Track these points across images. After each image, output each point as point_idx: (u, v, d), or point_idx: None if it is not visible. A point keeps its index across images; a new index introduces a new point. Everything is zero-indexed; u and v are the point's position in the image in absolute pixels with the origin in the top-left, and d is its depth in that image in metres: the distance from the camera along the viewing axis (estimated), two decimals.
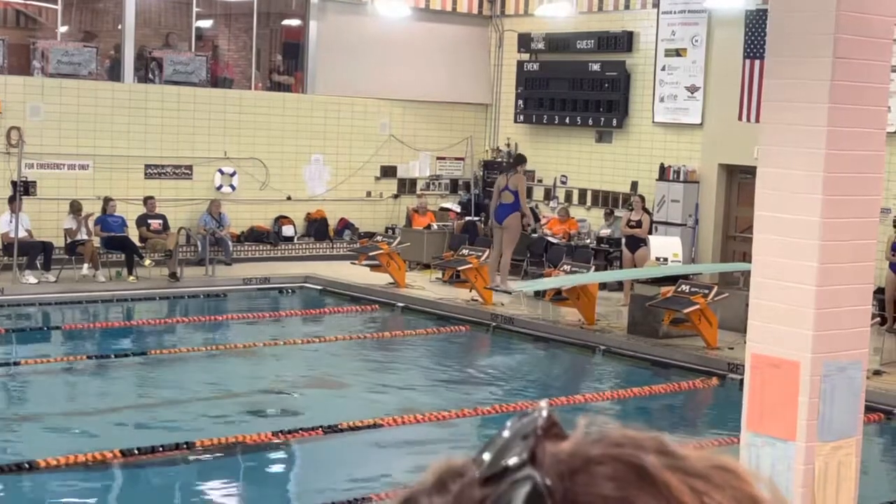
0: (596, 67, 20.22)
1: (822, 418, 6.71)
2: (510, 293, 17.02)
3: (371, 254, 18.03)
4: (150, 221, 18.31)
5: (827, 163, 6.65)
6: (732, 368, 13.25)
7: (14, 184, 17.08)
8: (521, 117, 21.53)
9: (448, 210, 21.55)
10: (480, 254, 17.05)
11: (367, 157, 21.32)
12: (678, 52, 19.13)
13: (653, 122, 19.61)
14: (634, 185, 19.70)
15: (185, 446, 9.98)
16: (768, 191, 6.92)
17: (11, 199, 17.05)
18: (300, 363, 14.00)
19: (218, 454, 10.14)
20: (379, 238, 18.91)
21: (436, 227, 20.46)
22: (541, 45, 21.25)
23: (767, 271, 6.89)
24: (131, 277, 17.53)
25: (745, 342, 7.38)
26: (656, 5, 19.43)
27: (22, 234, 16.91)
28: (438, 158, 22.20)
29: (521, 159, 18.47)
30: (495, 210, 17.91)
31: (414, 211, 21.05)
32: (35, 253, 17.05)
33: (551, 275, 16.32)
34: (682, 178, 18.84)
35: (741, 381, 8.24)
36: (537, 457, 0.72)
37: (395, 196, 21.77)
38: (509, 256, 17.72)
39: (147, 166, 19.12)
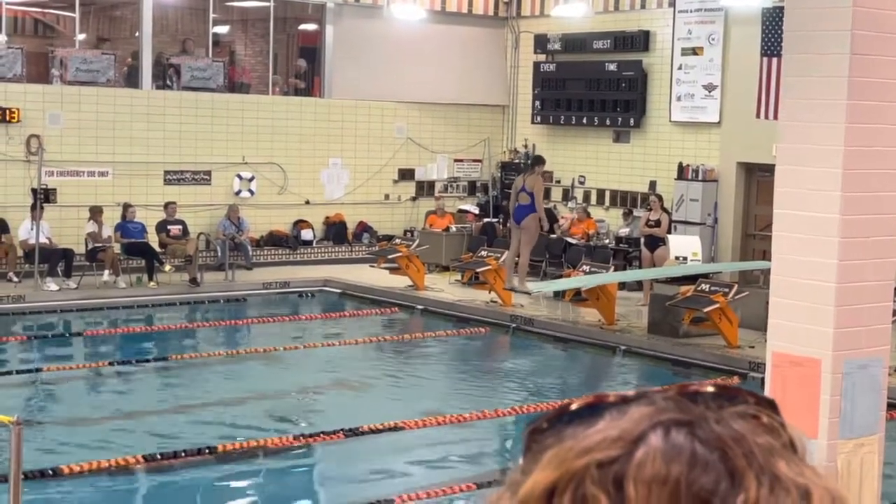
0: (612, 67, 20.20)
1: (843, 416, 6.69)
2: (529, 294, 17.00)
3: (390, 256, 18.05)
4: (169, 227, 18.38)
5: (846, 159, 6.63)
6: (753, 367, 13.21)
7: (34, 191, 17.16)
8: (539, 118, 21.52)
9: (466, 212, 21.56)
10: (499, 255, 17.04)
11: (385, 160, 21.35)
12: (695, 51, 19.09)
13: (670, 121, 19.58)
14: (653, 184, 19.67)
15: (207, 451, 10.01)
16: (787, 188, 6.90)
17: (32, 207, 17.13)
18: (320, 366, 14.02)
19: (240, 458, 10.18)
20: (398, 241, 18.92)
21: (454, 229, 20.47)
22: (557, 46, 21.24)
23: (787, 269, 6.88)
24: (152, 283, 17.60)
25: (765, 340, 7.36)
26: (672, 4, 19.40)
27: (42, 241, 16.99)
28: (456, 161, 22.21)
29: (539, 160, 18.36)
30: (513, 211, 17.89)
31: (432, 213, 21.07)
32: (56, 260, 17.14)
33: (570, 275, 16.30)
34: (700, 177, 18.80)
35: (762, 379, 8.22)
36: None
37: (414, 199, 21.79)
38: (527, 257, 17.69)
39: (166, 172, 19.19)
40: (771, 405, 0.81)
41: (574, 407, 0.81)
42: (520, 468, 0.80)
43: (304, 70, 21.35)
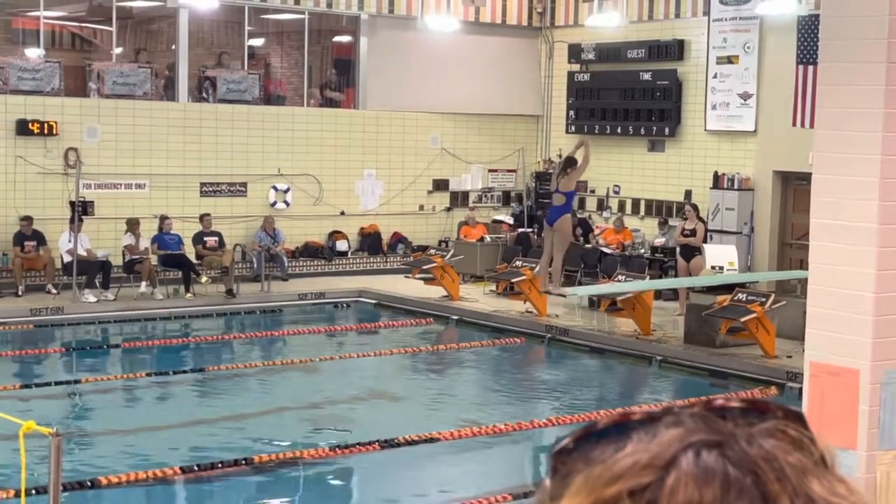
0: (647, 76, 20.15)
1: (882, 426, 6.63)
2: (564, 296, 16.97)
3: (425, 267, 18.07)
4: (205, 239, 18.48)
5: (883, 168, 6.58)
6: (791, 377, 13.12)
7: (72, 204, 17.31)
8: (573, 128, 21.48)
9: (501, 222, 21.55)
10: (534, 266, 17.03)
11: (420, 170, 21.38)
12: (730, 60, 19.01)
13: (705, 129, 19.50)
14: (688, 193, 19.59)
15: (243, 462, 10.05)
16: (824, 197, 6.86)
17: (70, 220, 17.27)
18: (356, 377, 14.04)
19: (276, 469, 10.20)
20: (432, 251, 18.94)
21: (489, 239, 20.47)
22: (591, 56, 21.21)
23: (825, 279, 6.83)
24: (188, 294, 17.70)
25: (803, 350, 7.31)
26: (707, 13, 19.33)
27: (81, 253, 17.12)
28: (490, 171, 22.22)
29: (570, 162, 18.30)
30: (548, 212, 17.85)
31: (464, 223, 21.09)
32: (94, 272, 17.27)
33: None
34: (736, 186, 18.70)
35: (800, 389, 8.16)
36: None
37: (448, 209, 21.81)
38: (560, 260, 17.65)
39: (202, 184, 19.31)
40: (799, 419, 0.79)
41: (600, 426, 0.79)
42: (547, 492, 0.78)
43: (333, 83, 21.39)
